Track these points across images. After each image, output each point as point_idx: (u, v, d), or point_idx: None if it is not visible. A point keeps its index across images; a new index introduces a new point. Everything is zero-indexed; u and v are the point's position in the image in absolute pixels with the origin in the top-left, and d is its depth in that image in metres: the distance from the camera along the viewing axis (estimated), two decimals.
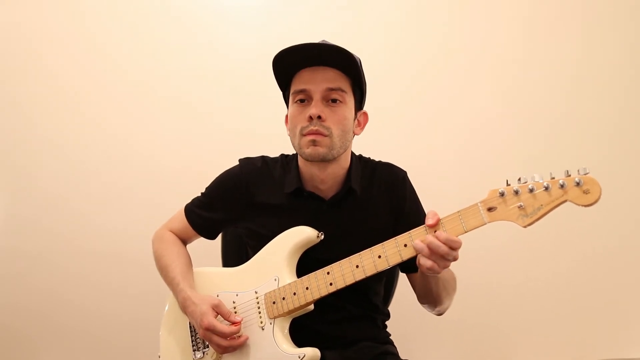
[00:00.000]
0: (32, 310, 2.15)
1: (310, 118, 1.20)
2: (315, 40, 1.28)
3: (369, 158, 1.40)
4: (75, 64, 2.18)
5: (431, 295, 1.24)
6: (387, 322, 1.43)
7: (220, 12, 2.20)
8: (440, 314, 1.32)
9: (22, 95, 2.18)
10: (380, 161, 1.39)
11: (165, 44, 2.19)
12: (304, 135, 1.22)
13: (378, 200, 1.31)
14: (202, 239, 1.44)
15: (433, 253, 1.03)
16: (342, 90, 1.22)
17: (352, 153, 1.36)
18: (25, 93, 2.18)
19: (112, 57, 2.19)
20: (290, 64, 1.24)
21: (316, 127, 1.20)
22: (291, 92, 1.26)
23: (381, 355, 1.31)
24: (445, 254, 1.02)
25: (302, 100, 1.23)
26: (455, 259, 1.05)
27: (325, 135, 1.21)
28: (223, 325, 1.18)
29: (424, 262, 1.05)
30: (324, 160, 1.24)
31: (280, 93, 1.35)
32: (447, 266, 1.06)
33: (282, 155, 1.41)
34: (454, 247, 1.03)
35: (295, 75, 1.25)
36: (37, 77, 2.18)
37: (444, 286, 1.22)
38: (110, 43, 2.19)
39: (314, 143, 1.21)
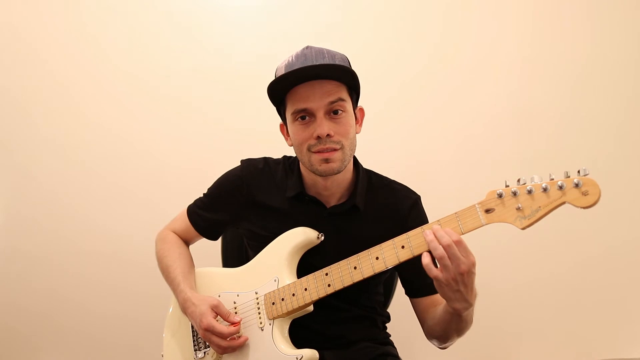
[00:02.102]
0: (32, 311, 2.16)
1: (319, 137, 1.17)
2: (310, 40, 1.28)
3: (381, 175, 1.37)
4: (76, 64, 2.18)
5: (445, 333, 1.19)
6: (387, 324, 1.43)
7: (220, 12, 2.20)
8: (444, 349, 1.28)
9: (23, 95, 2.18)
10: (393, 181, 1.36)
11: (166, 44, 2.19)
12: (314, 152, 1.19)
13: (384, 222, 1.28)
14: (203, 239, 1.44)
15: (440, 255, 1.00)
16: (342, 100, 1.19)
17: (360, 164, 1.34)
18: (26, 93, 2.18)
19: (112, 57, 2.18)
20: (284, 86, 1.20)
21: (327, 145, 1.18)
22: (289, 111, 1.22)
23: (381, 356, 1.31)
24: (447, 246, 0.98)
25: (303, 117, 1.20)
26: (464, 270, 0.99)
27: (338, 149, 1.19)
28: (222, 326, 1.18)
29: (430, 270, 1.01)
30: (337, 173, 1.22)
31: None
32: (452, 277, 1.00)
33: (285, 156, 1.40)
34: (454, 238, 0.99)
35: (289, 92, 1.20)
36: (38, 77, 2.18)
37: (461, 327, 1.16)
38: (110, 43, 2.19)
39: (327, 161, 1.19)
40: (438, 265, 1.02)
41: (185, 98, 2.18)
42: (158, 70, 2.18)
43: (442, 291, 1.04)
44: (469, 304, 1.05)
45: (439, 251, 1.00)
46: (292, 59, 1.21)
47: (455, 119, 2.15)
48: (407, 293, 1.35)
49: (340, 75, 1.19)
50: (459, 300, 1.03)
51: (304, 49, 1.23)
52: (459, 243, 0.99)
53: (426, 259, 1.02)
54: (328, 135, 1.17)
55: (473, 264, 1.01)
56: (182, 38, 2.19)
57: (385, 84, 2.12)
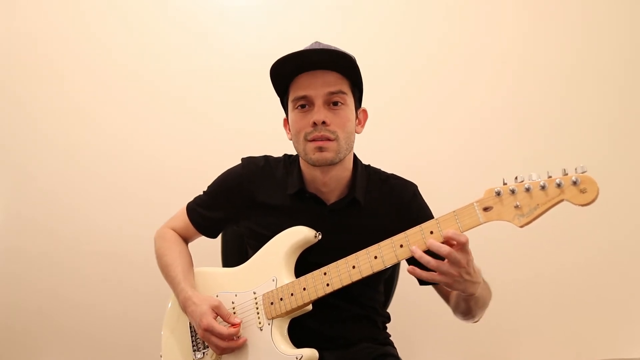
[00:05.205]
0: (32, 311, 2.16)
1: (315, 124, 1.18)
2: (311, 40, 1.29)
3: (379, 169, 1.38)
4: (76, 64, 2.19)
5: (468, 312, 1.21)
6: (387, 324, 1.43)
7: (220, 12, 2.20)
8: (476, 322, 1.29)
9: (24, 95, 2.19)
10: (391, 174, 1.37)
11: (166, 44, 2.19)
12: (309, 141, 1.20)
13: (385, 215, 1.29)
14: (202, 238, 1.44)
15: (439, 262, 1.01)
16: (343, 92, 1.21)
17: (359, 160, 1.35)
18: (27, 93, 2.19)
19: (112, 57, 2.19)
20: (287, 72, 1.22)
21: (322, 133, 1.19)
22: (290, 98, 1.24)
23: (381, 356, 1.31)
24: (447, 254, 0.99)
25: (303, 106, 1.21)
26: (464, 264, 1.00)
27: (332, 140, 1.19)
28: (221, 327, 1.19)
29: (432, 277, 1.02)
30: (331, 165, 1.22)
31: None
32: (457, 276, 1.01)
33: (285, 155, 1.40)
34: (455, 241, 0.99)
35: (292, 81, 1.23)
36: (38, 77, 2.18)
37: (481, 302, 1.18)
38: (110, 43, 2.19)
39: (320, 149, 1.19)
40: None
41: (185, 98, 2.18)
42: (158, 70, 2.18)
43: (452, 288, 1.06)
44: (479, 283, 1.08)
45: (434, 265, 1.01)
46: None
47: (453, 119, 2.15)
48: (421, 284, 1.33)
49: (343, 67, 1.20)
50: (468, 288, 1.06)
51: (313, 43, 1.25)
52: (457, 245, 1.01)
53: (425, 274, 1.03)
54: (324, 122, 1.18)
55: (469, 253, 1.02)
56: (182, 38, 2.19)
57: (384, 84, 2.11)
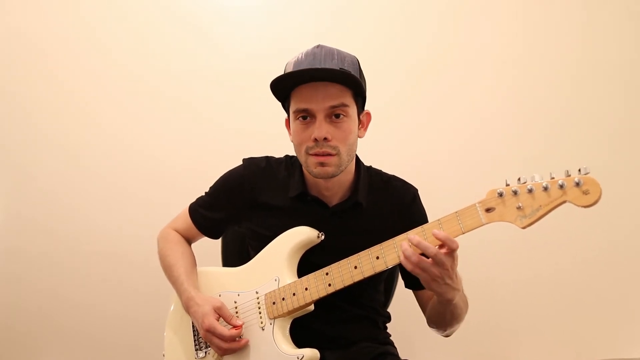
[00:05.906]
0: (32, 311, 2.15)
1: (316, 140, 1.17)
2: (311, 40, 1.27)
3: (380, 171, 1.38)
4: (76, 64, 2.18)
5: (442, 320, 1.21)
6: (387, 324, 1.43)
7: (220, 12, 2.20)
8: (447, 336, 1.30)
9: (24, 95, 2.18)
10: (392, 176, 1.37)
11: (166, 44, 2.19)
12: (311, 155, 1.20)
13: (386, 217, 1.29)
14: (204, 238, 1.44)
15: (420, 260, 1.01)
16: (345, 105, 1.19)
17: (361, 162, 1.35)
18: (27, 93, 2.18)
19: (112, 57, 2.19)
20: (288, 86, 1.21)
21: (323, 149, 1.17)
22: (292, 109, 1.22)
23: (381, 355, 1.31)
24: (434, 255, 1.00)
25: (304, 117, 1.20)
26: (447, 266, 1.01)
27: (333, 155, 1.18)
28: (223, 328, 1.19)
29: (412, 269, 1.03)
30: (332, 177, 1.22)
31: None
32: (437, 275, 1.02)
33: (287, 156, 1.40)
34: (446, 244, 1.01)
35: (294, 90, 1.21)
36: (38, 77, 2.18)
37: (457, 313, 1.18)
38: (110, 43, 2.19)
39: (322, 164, 1.19)
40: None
41: (185, 98, 2.18)
42: (158, 70, 2.18)
43: (428, 286, 1.06)
44: (458, 290, 1.09)
45: (415, 260, 1.02)
46: (301, 57, 1.21)
47: (455, 119, 2.15)
48: (407, 286, 1.36)
49: (346, 80, 1.18)
50: (448, 292, 1.06)
51: (314, 47, 1.22)
52: (444, 246, 1.02)
53: (409, 266, 1.04)
54: (325, 138, 1.17)
55: (454, 259, 1.03)
56: (182, 38, 2.19)
57: (384, 84, 2.11)
